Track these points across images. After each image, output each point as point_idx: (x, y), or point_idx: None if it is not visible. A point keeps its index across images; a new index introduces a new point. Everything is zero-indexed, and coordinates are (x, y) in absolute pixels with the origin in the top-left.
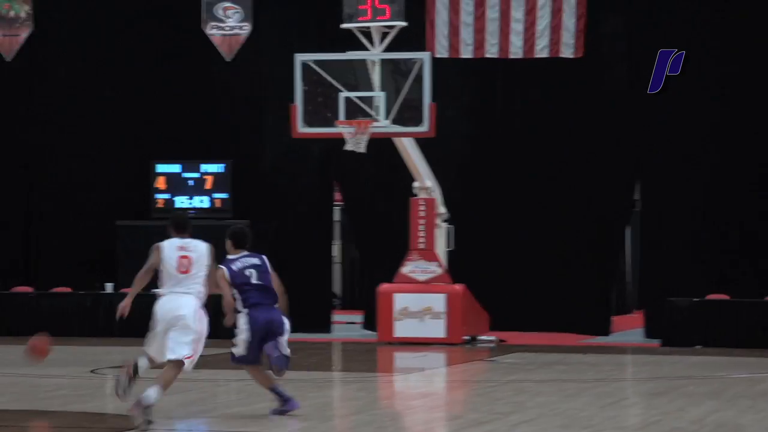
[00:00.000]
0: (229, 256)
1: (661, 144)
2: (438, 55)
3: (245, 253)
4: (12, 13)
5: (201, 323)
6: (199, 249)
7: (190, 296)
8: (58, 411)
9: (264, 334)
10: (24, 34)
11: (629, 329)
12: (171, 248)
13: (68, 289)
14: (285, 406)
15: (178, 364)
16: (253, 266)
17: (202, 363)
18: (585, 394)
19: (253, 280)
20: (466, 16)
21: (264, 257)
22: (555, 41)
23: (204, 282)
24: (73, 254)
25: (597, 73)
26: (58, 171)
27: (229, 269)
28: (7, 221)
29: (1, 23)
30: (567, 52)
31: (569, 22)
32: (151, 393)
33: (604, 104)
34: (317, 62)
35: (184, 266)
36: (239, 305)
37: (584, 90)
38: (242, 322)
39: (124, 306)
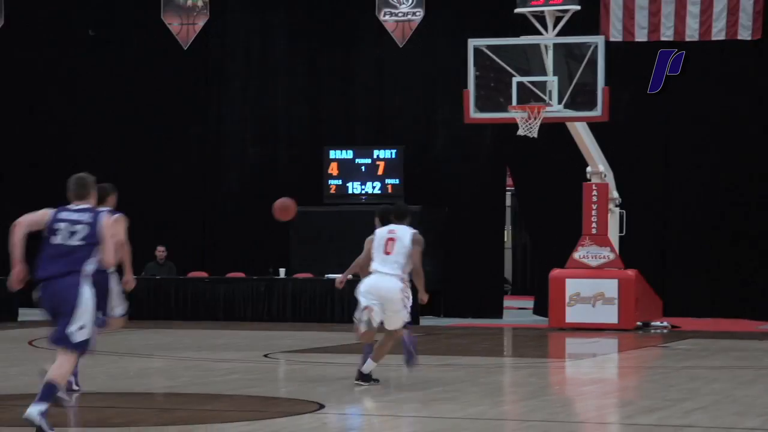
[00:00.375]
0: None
1: None
2: (612, 39)
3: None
4: (189, 2)
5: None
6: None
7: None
8: (231, 395)
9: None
10: (201, 22)
11: None
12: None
13: (242, 275)
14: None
15: (394, 333)
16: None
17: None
18: (761, 381)
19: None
20: None
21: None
22: (732, 23)
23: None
24: (248, 240)
25: None
26: (233, 158)
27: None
28: (186, 208)
29: (178, 12)
30: (744, 34)
31: (747, 3)
32: (370, 364)
33: None
34: (490, 47)
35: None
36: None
37: (760, 72)
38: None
39: (340, 281)
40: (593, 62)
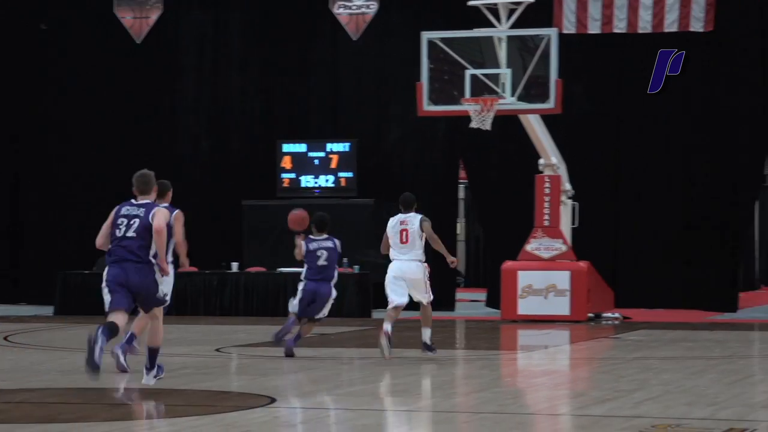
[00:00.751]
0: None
1: None
2: (565, 31)
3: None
4: None
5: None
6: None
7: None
8: (182, 389)
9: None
10: (154, 16)
11: (756, 305)
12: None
13: (194, 269)
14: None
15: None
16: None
17: (328, 341)
18: (711, 371)
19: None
20: None
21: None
22: (684, 15)
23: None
24: (200, 234)
25: (727, 47)
26: (186, 152)
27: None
28: None
29: (131, 5)
30: (697, 25)
31: None
32: (426, 332)
33: (733, 79)
34: (443, 40)
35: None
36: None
37: (714, 65)
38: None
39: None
40: (546, 54)
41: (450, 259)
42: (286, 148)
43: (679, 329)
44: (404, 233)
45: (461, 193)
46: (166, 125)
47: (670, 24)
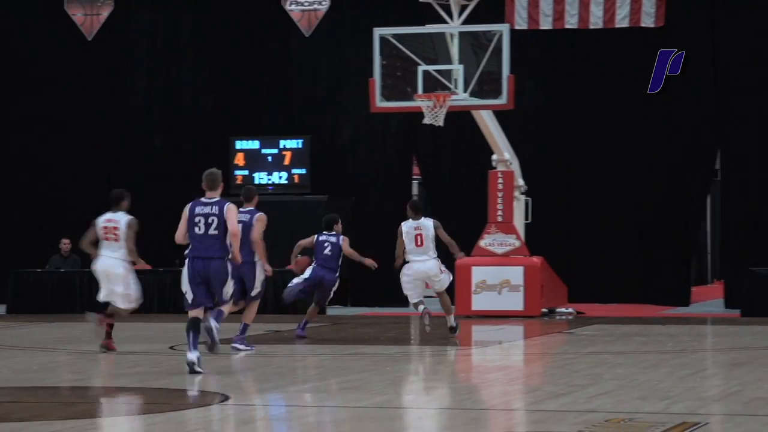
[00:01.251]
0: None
1: (741, 113)
2: (517, 27)
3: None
4: None
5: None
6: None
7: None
8: (136, 387)
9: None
10: (105, 12)
11: (709, 300)
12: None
13: (148, 266)
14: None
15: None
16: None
17: (281, 338)
18: (664, 366)
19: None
20: None
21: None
22: (635, 10)
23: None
24: (153, 231)
25: (678, 42)
26: (138, 149)
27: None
28: (91, 201)
29: (82, 2)
30: (647, 21)
31: None
32: (450, 319)
33: (684, 74)
34: (396, 36)
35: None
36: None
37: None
38: None
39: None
40: (498, 50)
41: (459, 256)
42: (239, 144)
43: (632, 324)
44: (419, 237)
45: (415, 189)
46: (117, 123)
47: (622, 19)
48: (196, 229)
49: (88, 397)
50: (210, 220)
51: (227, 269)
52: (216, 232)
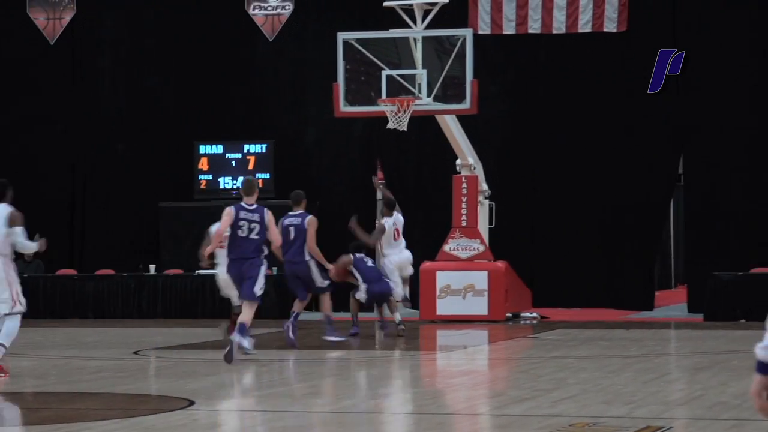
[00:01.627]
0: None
1: (704, 118)
2: (480, 32)
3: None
4: None
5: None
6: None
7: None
8: (100, 393)
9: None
10: (67, 17)
11: (672, 304)
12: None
13: (112, 271)
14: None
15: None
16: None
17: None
18: (628, 370)
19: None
20: None
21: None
22: (598, 15)
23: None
24: (117, 236)
25: (640, 47)
26: (102, 154)
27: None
28: (51, 204)
29: (45, 6)
30: (610, 26)
31: None
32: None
33: (647, 78)
34: (359, 41)
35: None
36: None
37: (627, 64)
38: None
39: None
40: (462, 55)
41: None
42: (203, 149)
43: (596, 328)
44: (396, 232)
45: (379, 194)
46: (81, 127)
47: (584, 24)
48: (240, 232)
49: (51, 403)
50: (252, 226)
51: (258, 267)
52: (257, 237)
